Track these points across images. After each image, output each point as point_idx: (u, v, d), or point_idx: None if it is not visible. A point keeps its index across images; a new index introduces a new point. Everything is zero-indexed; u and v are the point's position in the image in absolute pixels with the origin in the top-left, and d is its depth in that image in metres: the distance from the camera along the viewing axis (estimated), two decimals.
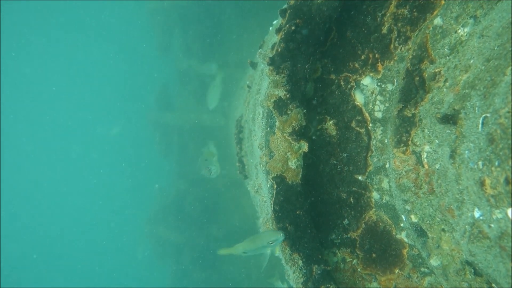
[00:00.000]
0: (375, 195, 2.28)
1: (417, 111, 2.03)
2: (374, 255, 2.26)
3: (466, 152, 1.67)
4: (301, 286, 2.13)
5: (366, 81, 2.26)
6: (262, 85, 2.74)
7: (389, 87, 2.21)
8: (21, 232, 24.07)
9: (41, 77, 22.47)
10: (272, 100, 2.14)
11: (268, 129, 2.20)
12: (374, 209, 2.28)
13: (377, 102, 2.25)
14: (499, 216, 1.49)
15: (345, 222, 2.32)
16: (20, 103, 23.01)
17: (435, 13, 2.04)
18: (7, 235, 21.93)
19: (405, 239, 2.21)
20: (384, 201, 2.26)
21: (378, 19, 2.20)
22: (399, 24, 2.14)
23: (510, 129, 1.40)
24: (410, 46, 2.13)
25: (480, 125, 1.58)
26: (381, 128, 2.24)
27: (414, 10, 2.09)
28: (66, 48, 20.95)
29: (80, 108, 23.25)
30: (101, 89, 21.95)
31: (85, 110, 23.05)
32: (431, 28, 2.00)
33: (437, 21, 1.97)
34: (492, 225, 1.55)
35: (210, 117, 8.00)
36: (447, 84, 1.90)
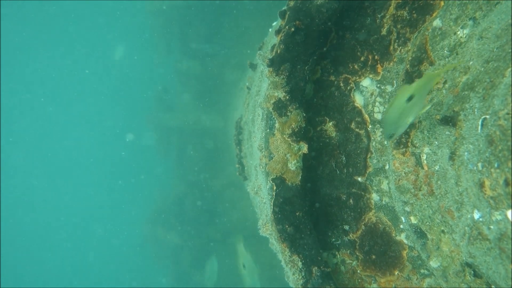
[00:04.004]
0: (374, 196, 2.28)
1: None
2: (373, 256, 2.26)
3: (466, 153, 1.67)
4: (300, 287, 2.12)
5: (366, 82, 2.26)
6: (262, 87, 2.74)
7: (389, 88, 2.21)
8: (18, 233, 24.03)
9: (40, 77, 22.45)
10: (272, 101, 2.14)
11: (268, 130, 2.20)
12: (373, 211, 2.28)
13: (377, 103, 2.25)
14: (499, 217, 1.49)
15: (345, 223, 2.32)
16: (20, 101, 22.99)
17: (434, 14, 2.04)
18: (6, 235, 21.90)
19: (405, 241, 2.21)
20: (383, 202, 2.26)
21: (378, 20, 2.20)
22: (399, 26, 2.15)
23: (509, 131, 1.40)
24: (409, 48, 2.13)
25: (479, 127, 1.59)
26: (381, 129, 2.24)
27: (414, 11, 2.10)
28: (65, 46, 20.94)
29: (79, 107, 23.23)
30: (100, 91, 21.94)
31: (83, 109, 23.03)
32: (430, 30, 2.00)
33: (437, 22, 1.97)
34: (491, 227, 1.55)
35: (210, 119, 8.00)
36: (446, 85, 1.90)
